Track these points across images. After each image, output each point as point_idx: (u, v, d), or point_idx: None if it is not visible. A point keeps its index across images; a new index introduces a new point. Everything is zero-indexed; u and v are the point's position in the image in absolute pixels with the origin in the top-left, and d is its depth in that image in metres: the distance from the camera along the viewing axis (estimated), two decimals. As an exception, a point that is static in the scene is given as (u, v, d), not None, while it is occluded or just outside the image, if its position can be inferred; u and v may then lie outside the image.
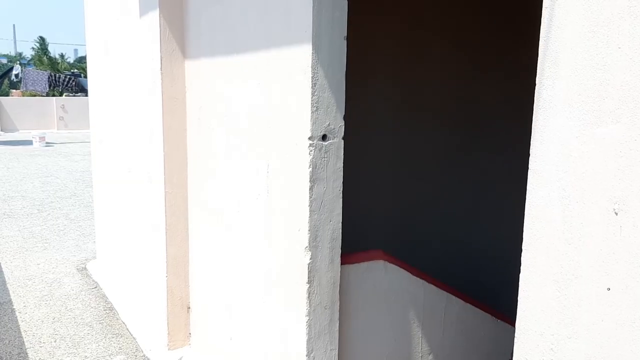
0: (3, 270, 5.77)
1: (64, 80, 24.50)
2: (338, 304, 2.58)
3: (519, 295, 1.40)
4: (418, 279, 3.04)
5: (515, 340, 1.43)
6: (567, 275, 1.29)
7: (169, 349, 3.84)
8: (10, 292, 5.17)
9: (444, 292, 3.12)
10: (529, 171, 1.36)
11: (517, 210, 2.01)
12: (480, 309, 3.31)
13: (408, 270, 2.99)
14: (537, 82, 1.33)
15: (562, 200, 1.28)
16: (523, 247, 1.39)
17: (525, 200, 1.39)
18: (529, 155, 1.37)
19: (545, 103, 1.31)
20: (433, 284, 3.11)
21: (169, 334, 3.82)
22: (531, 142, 1.35)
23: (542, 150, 1.32)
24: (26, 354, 4.00)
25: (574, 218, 1.26)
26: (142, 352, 4.05)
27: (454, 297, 3.14)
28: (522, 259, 1.39)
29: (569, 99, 1.25)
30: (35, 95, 24.82)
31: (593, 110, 1.21)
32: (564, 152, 1.27)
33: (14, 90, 28.29)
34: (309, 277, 2.43)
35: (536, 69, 1.34)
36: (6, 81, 25.24)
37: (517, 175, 2.53)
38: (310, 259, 2.42)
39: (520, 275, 1.39)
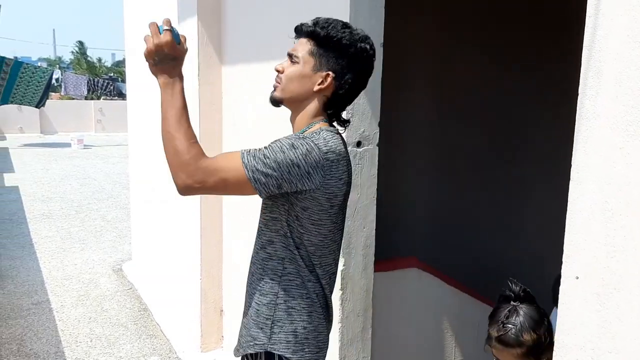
0: (42, 269, 5.91)
1: (102, 85, 25.04)
2: (371, 311, 2.57)
3: (559, 307, 1.38)
4: (453, 288, 3.02)
5: (555, 353, 1.41)
6: (609, 289, 1.26)
7: (201, 351, 3.88)
8: (49, 291, 5.30)
9: (479, 303, 3.09)
10: (570, 182, 1.34)
11: (555, 221, 1.98)
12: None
13: (443, 279, 2.96)
14: (579, 92, 1.31)
15: (605, 212, 1.26)
16: (563, 259, 1.37)
17: (565, 212, 1.37)
18: (568, 165, 1.35)
19: (588, 113, 1.29)
20: (468, 293, 3.08)
21: (202, 336, 3.86)
22: (573, 153, 1.33)
23: (585, 161, 1.30)
24: (63, 352, 4.09)
25: (617, 230, 1.24)
26: (176, 353, 4.10)
27: (489, 307, 3.10)
28: (562, 271, 1.37)
29: (613, 109, 1.23)
30: (73, 99, 25.38)
31: (637, 121, 1.18)
32: (607, 164, 1.25)
33: (53, 94, 28.96)
34: (342, 284, 2.43)
35: (576, 79, 1.32)
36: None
37: (554, 184, 2.49)
38: (344, 265, 2.42)
39: (560, 287, 1.37)
